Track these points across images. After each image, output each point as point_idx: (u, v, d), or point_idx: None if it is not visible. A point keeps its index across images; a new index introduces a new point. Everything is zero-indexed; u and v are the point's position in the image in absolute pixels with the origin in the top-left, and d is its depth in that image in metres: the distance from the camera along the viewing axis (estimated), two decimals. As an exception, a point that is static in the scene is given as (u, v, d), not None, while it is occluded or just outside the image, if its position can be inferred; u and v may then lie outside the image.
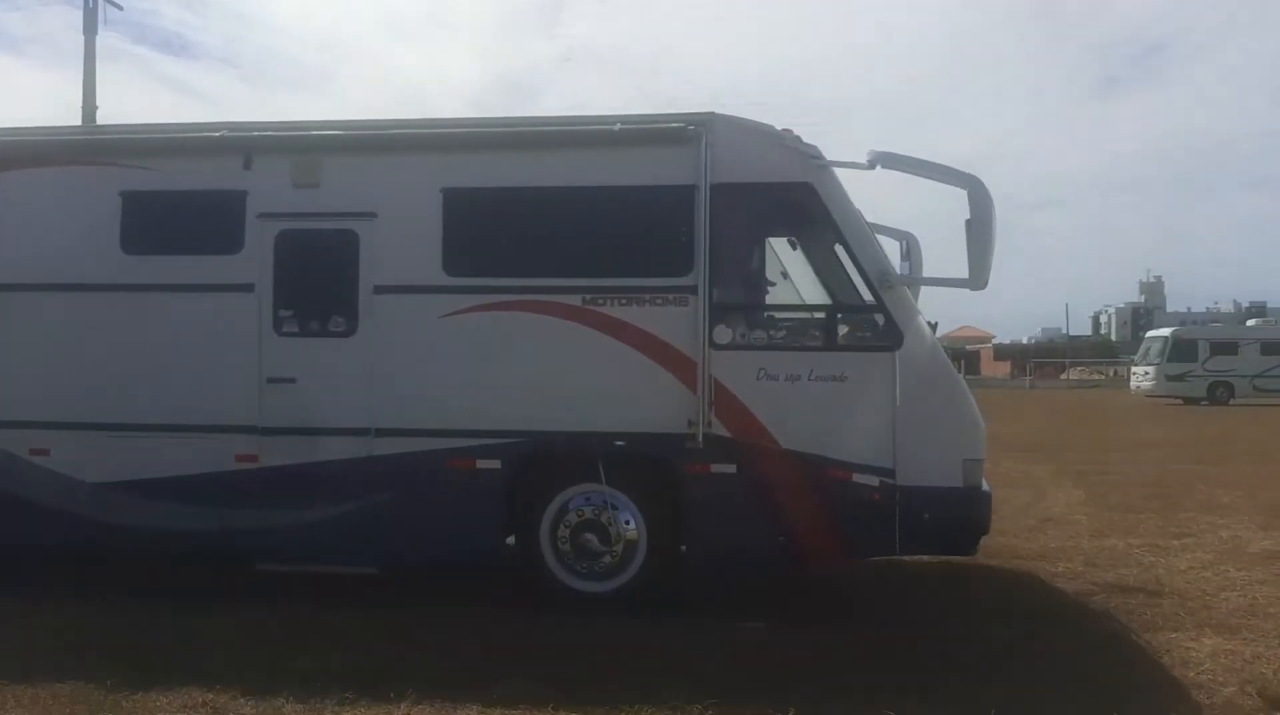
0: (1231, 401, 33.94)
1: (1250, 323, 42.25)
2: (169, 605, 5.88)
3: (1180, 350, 35.85)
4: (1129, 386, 39.96)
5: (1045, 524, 9.17)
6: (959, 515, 5.85)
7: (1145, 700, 4.50)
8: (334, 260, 6.23)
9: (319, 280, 6.36)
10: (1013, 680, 4.68)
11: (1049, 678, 4.77)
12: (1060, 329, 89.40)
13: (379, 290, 6.18)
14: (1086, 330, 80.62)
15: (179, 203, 6.40)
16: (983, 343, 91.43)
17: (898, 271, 6.14)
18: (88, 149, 6.65)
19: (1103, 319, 69.17)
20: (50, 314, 6.46)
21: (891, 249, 6.50)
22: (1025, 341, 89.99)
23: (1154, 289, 67.88)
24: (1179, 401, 34.78)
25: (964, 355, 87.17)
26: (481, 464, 6.08)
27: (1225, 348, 36.14)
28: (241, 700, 4.41)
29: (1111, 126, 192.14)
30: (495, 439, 6.07)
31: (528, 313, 6.10)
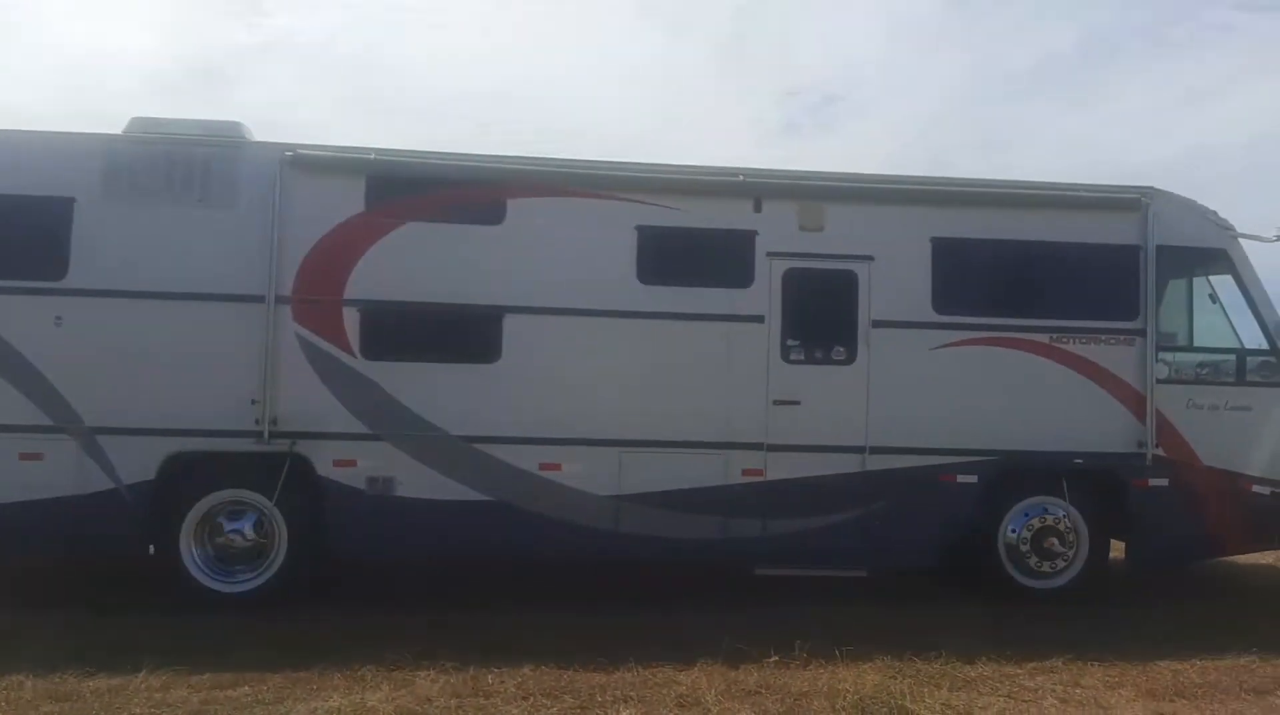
0: None
1: None
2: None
3: None
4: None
5: None
6: None
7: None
8: (836, 296, 7.21)
9: (822, 314, 7.23)
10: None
11: None
12: None
13: (876, 324, 7.18)
14: None
15: (694, 239, 7.11)
16: None
17: None
18: (606, 184, 7.14)
19: None
20: (564, 338, 6.99)
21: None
22: None
23: None
24: None
25: None
26: (962, 478, 7.16)
27: None
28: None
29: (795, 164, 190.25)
30: (974, 457, 7.18)
31: (1004, 348, 7.27)
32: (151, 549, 6.66)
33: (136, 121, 6.84)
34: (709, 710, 4.80)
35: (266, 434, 6.63)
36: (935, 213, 7.32)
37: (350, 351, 6.79)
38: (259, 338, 6.66)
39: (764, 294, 7.11)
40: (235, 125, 6.96)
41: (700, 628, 6.22)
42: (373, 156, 6.95)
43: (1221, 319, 7.61)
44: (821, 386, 7.12)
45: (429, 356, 6.91)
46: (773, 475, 7.01)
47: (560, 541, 6.93)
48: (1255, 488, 7.29)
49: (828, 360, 7.15)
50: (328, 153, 6.89)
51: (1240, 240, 7.49)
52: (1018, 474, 7.28)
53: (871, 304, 7.17)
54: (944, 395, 7.15)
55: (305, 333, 6.75)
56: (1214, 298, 7.62)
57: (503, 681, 5.14)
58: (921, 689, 5.13)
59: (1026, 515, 7.28)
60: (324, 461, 6.72)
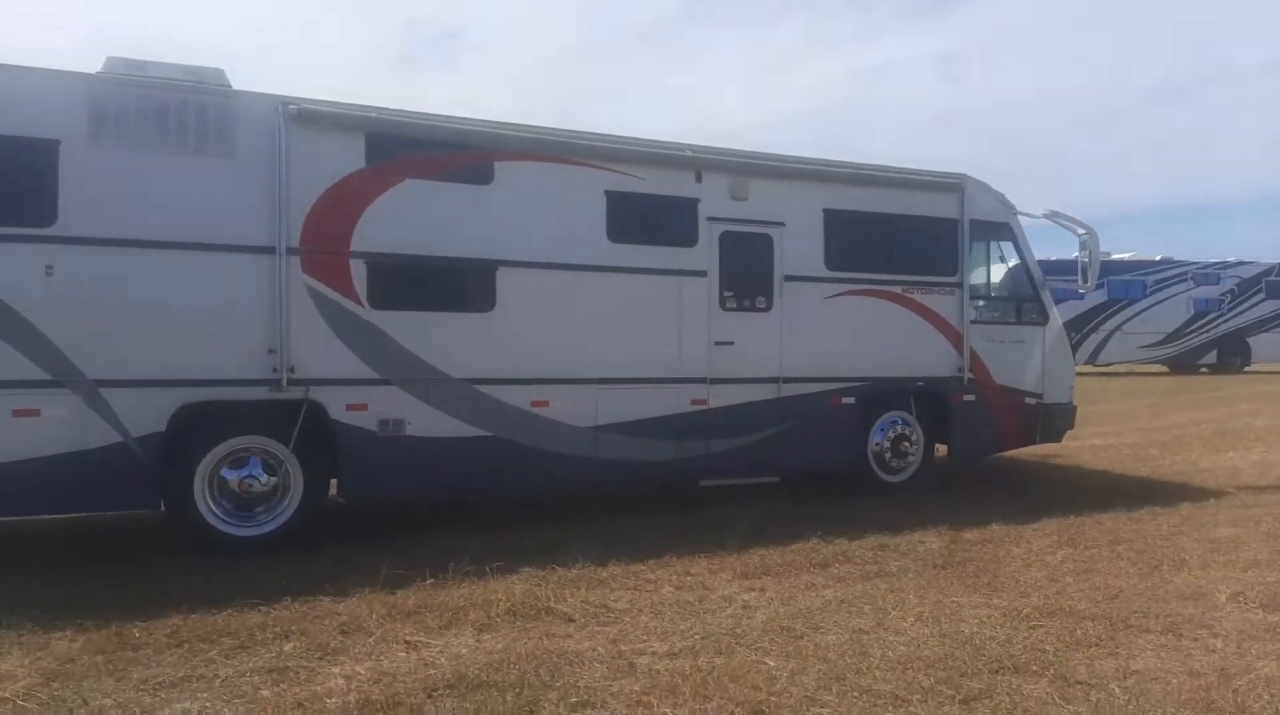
0: None
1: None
2: None
3: None
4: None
5: None
6: (1067, 419, 10.34)
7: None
8: (758, 255, 8.69)
9: (749, 269, 8.66)
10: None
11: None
12: None
13: (788, 278, 8.80)
14: None
15: (651, 203, 8.24)
16: None
17: (1076, 257, 10.29)
18: (581, 152, 7.99)
19: None
20: (549, 289, 7.80)
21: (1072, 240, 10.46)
22: None
23: None
24: None
25: None
26: (845, 400, 9.06)
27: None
28: None
29: (412, 100, 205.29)
30: (853, 383, 9.13)
31: (871, 297, 9.20)
32: (162, 503, 6.75)
33: (114, 61, 6.60)
34: (372, 633, 5.06)
35: (285, 382, 6.81)
36: (826, 188, 9.00)
37: (359, 302, 7.15)
38: (270, 289, 6.81)
39: (705, 252, 8.45)
40: (219, 72, 6.92)
41: (357, 560, 6.45)
42: (374, 114, 7.25)
43: (1006, 275, 10.20)
44: (749, 330, 8.64)
45: (431, 306, 7.46)
46: (714, 403, 8.47)
47: (551, 471, 7.90)
48: (1027, 399, 10.04)
49: (753, 308, 8.68)
50: (328, 108, 7.09)
51: (1019, 216, 10.09)
52: (882, 395, 9.36)
53: (784, 261, 8.78)
54: (832, 335, 9.00)
55: (315, 284, 7.00)
56: (1002, 259, 10.15)
57: (151, 633, 5.02)
58: (563, 591, 5.78)
59: (883, 428, 9.48)
60: (337, 406, 7.05)
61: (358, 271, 7.14)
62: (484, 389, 7.57)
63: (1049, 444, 10.66)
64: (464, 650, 4.81)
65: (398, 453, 7.24)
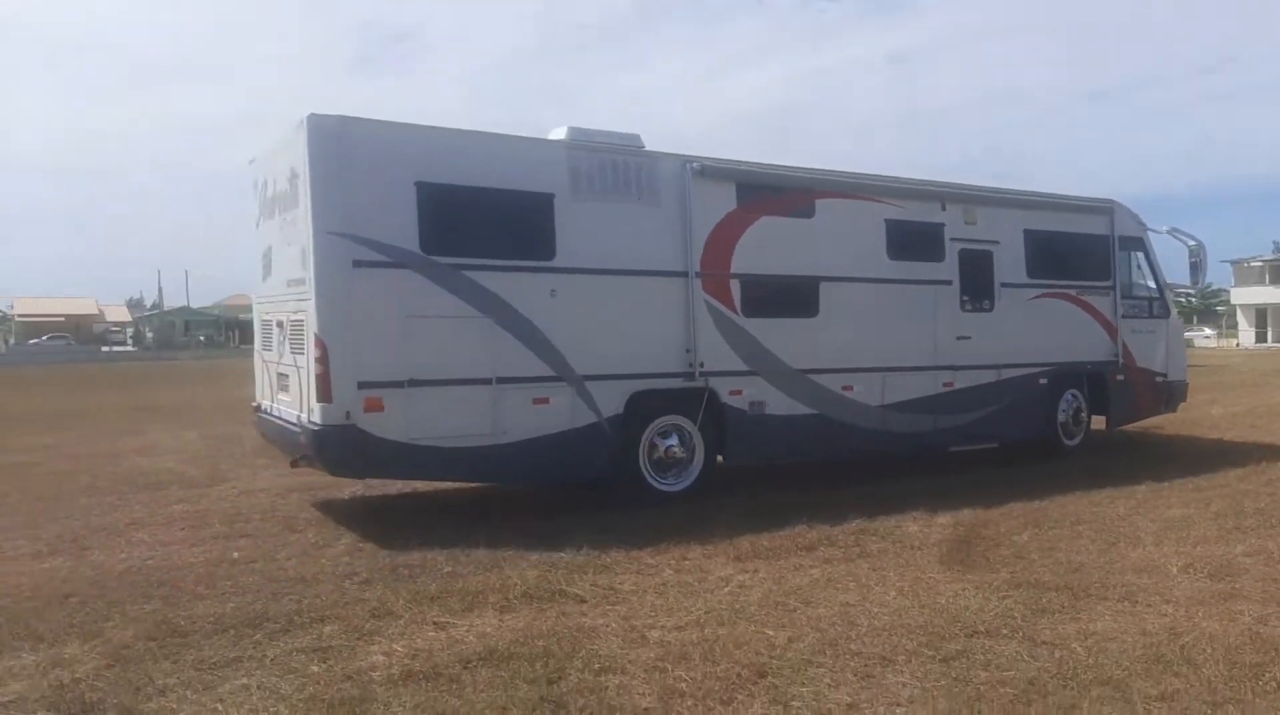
0: None
1: None
2: None
3: None
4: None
5: None
6: (1183, 393, 13.11)
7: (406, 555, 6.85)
8: (983, 267, 10.82)
9: (977, 279, 10.76)
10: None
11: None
12: None
13: (1003, 285, 10.98)
14: None
15: (914, 229, 10.29)
16: None
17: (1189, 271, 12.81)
18: (868, 190, 10.12)
19: None
20: (851, 298, 9.82)
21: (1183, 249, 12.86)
22: None
23: None
24: None
25: (239, 324, 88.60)
26: (1042, 381, 11.40)
27: None
28: None
29: (366, 103, 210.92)
30: (1047, 366, 11.40)
31: (1057, 298, 11.52)
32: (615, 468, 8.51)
33: (574, 130, 8.59)
34: (400, 616, 5.49)
35: (696, 374, 8.74)
36: (1024, 213, 11.28)
37: (736, 311, 9.13)
38: (684, 303, 8.79)
39: (950, 266, 10.58)
40: (636, 136, 8.94)
41: (371, 552, 6.89)
42: (742, 167, 9.27)
43: (1141, 279, 12.58)
44: (979, 326, 10.76)
45: (779, 313, 9.44)
46: (958, 386, 10.58)
47: (855, 440, 9.94)
48: (1157, 378, 12.59)
49: (981, 309, 10.83)
50: (716, 164, 9.05)
51: (1149, 232, 12.61)
52: (1065, 376, 11.64)
53: (1000, 271, 10.95)
54: (1033, 329, 11.25)
55: (709, 298, 8.96)
56: (1138, 266, 12.53)
57: (195, 622, 5.40)
58: (573, 575, 6.24)
59: (1066, 402, 11.75)
60: (724, 392, 9.01)
61: (734, 288, 9.11)
62: (812, 377, 9.59)
63: (1168, 414, 13.37)
64: (488, 629, 5.26)
65: (762, 427, 9.27)
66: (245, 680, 4.56)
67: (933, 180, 10.70)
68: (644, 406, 8.57)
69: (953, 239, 10.57)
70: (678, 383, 8.74)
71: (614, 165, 8.50)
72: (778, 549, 7.06)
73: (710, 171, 8.91)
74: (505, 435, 7.86)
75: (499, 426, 7.84)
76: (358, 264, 7.28)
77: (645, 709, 4.20)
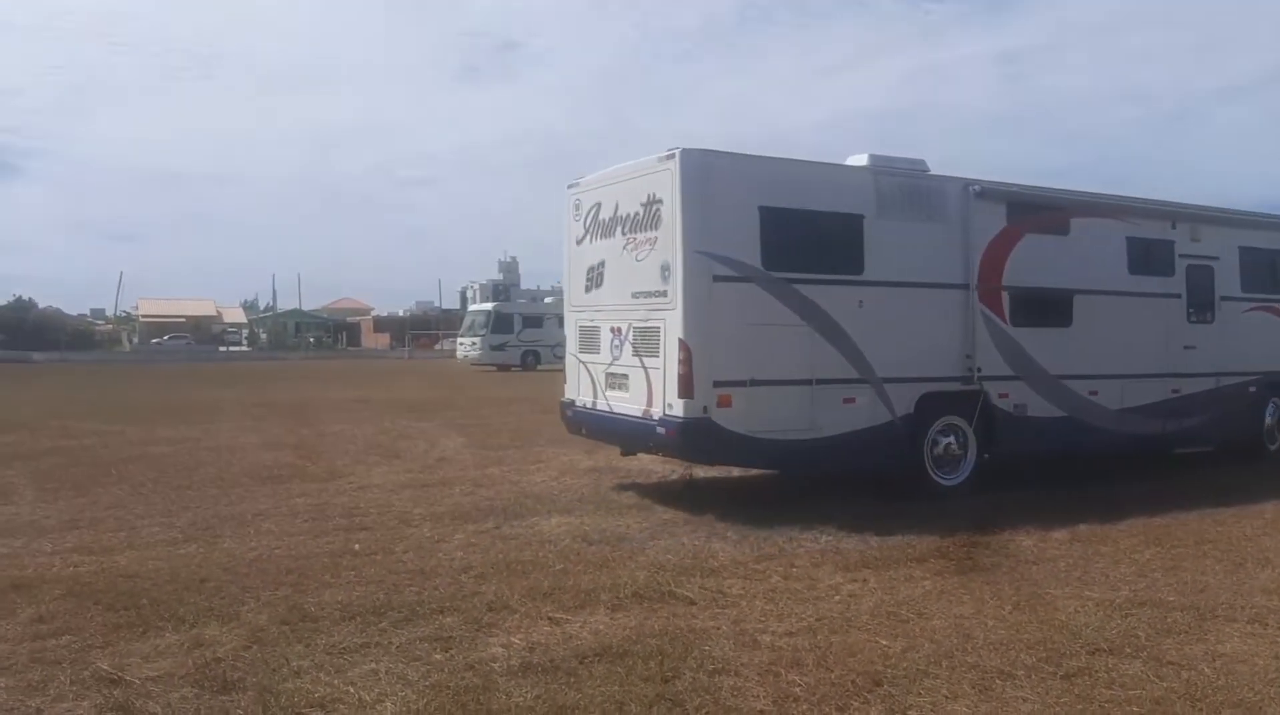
0: (538, 367, 39.53)
1: (548, 300, 49.04)
2: None
3: (500, 323, 41.43)
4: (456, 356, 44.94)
5: (441, 462, 12.24)
6: None
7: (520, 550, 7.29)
8: (1206, 282, 11.48)
9: (1201, 293, 11.44)
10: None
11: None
12: (433, 302, 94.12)
13: (1223, 299, 11.61)
14: (456, 303, 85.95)
15: (1149, 246, 11.00)
16: (362, 314, 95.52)
17: None
18: (1112, 210, 10.92)
19: (469, 294, 76.16)
20: (1099, 309, 10.48)
21: None
22: (402, 314, 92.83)
23: (510, 268, 76.73)
24: (493, 368, 40.05)
25: (345, 327, 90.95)
26: (1252, 388, 11.98)
27: (534, 321, 42.17)
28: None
29: (473, 112, 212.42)
30: (1255, 375, 11.94)
31: (1263, 312, 12.13)
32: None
33: (875, 158, 9.34)
34: (516, 610, 5.64)
35: (975, 378, 9.50)
36: (1239, 231, 11.98)
37: (1005, 321, 9.83)
38: (965, 313, 9.57)
39: (1179, 280, 11.23)
40: (922, 161, 9.69)
41: (450, 554, 7.07)
42: (1012, 188, 10.07)
43: None
44: (1202, 337, 11.35)
45: (1039, 323, 10.11)
46: (1183, 392, 11.18)
47: (1099, 441, 10.61)
48: None
49: (1204, 320, 11.45)
50: (991, 185, 9.79)
51: None
52: (1269, 385, 12.15)
53: (1220, 286, 11.57)
54: (1245, 340, 11.81)
55: (984, 309, 9.68)
56: None
57: (324, 608, 5.68)
58: (681, 578, 6.32)
59: (1271, 409, 12.31)
60: (994, 394, 9.71)
61: (1004, 300, 9.84)
62: (1065, 382, 10.28)
63: None
64: (601, 626, 5.38)
65: (1023, 428, 9.95)
66: (373, 665, 4.77)
67: (1164, 200, 11.48)
68: (930, 407, 9.41)
69: (1181, 255, 11.28)
70: (957, 386, 9.57)
71: (909, 188, 9.38)
72: (886, 559, 7.00)
73: (988, 193, 9.76)
74: (820, 430, 8.76)
75: (815, 422, 8.74)
76: (717, 278, 8.33)
77: (760, 711, 4.25)
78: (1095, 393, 10.48)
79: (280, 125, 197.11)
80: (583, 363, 10.06)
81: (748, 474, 10.70)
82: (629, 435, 9.40)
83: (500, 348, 40.70)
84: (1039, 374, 10.07)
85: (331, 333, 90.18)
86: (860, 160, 9.35)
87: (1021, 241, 9.99)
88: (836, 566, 6.80)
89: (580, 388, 10.13)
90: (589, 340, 9.94)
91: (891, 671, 4.65)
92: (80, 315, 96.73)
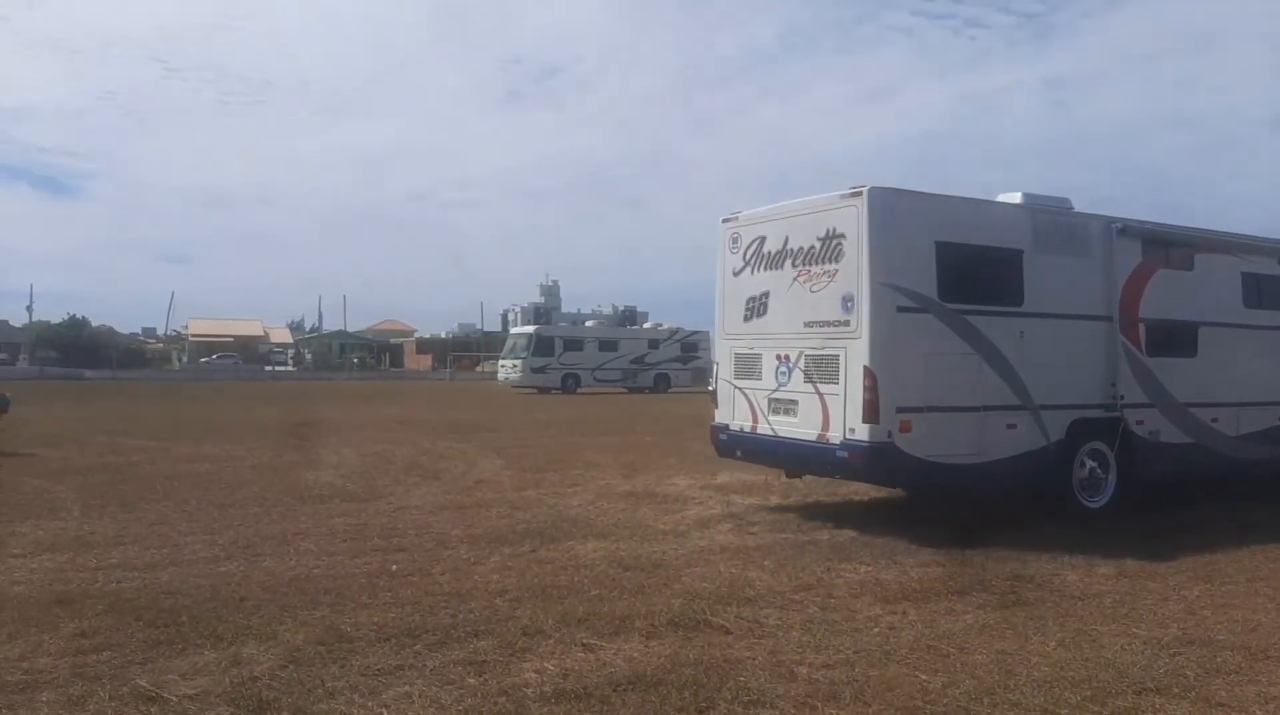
0: (578, 390, 39.72)
1: (589, 323, 48.62)
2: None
3: (541, 346, 41.67)
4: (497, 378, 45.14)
5: (479, 484, 12.21)
6: None
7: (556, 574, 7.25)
8: None
9: None
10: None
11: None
12: (475, 325, 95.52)
13: None
14: (498, 326, 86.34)
15: (1264, 281, 11.52)
16: (406, 336, 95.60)
17: None
18: (1228, 246, 11.43)
19: (510, 316, 75.94)
20: (1219, 341, 11.00)
21: None
22: (445, 336, 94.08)
23: (551, 291, 76.28)
24: (534, 390, 40.10)
25: (389, 348, 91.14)
26: None
27: (575, 345, 42.53)
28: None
29: (516, 137, 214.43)
30: None
31: None
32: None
33: (1029, 196, 9.97)
34: (550, 636, 5.62)
35: (1118, 406, 9.99)
36: None
37: (1141, 351, 10.31)
38: (1108, 344, 10.09)
39: None
40: (1067, 199, 10.33)
41: (486, 577, 7.06)
42: (1147, 226, 10.61)
43: None
44: None
45: (1170, 353, 10.58)
46: None
47: (1216, 466, 10.99)
48: None
49: None
50: (1131, 223, 10.38)
51: None
52: None
53: None
54: None
55: (1124, 340, 10.17)
56: None
57: (359, 629, 5.71)
58: (716, 606, 6.26)
59: None
60: (1132, 421, 10.14)
61: (1140, 331, 10.32)
62: (1191, 409, 10.70)
63: None
64: (635, 654, 5.33)
65: (1157, 454, 10.38)
66: (407, 688, 4.77)
67: (1275, 238, 12.04)
68: (1078, 432, 9.82)
69: None
70: (1100, 412, 10.03)
71: (1059, 224, 9.96)
72: (928, 591, 6.88)
73: (1128, 230, 10.36)
74: (985, 455, 9.19)
75: (981, 447, 9.18)
76: (899, 309, 8.77)
77: (795, 744, 4.17)
78: (1216, 420, 10.93)
79: (328, 149, 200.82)
80: (739, 388, 10.37)
81: (766, 502, 10.62)
82: (800, 459, 9.75)
83: (541, 371, 41.17)
84: (1169, 402, 10.57)
85: (375, 354, 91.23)
86: (1014, 198, 9.94)
87: (1154, 276, 10.56)
88: (876, 598, 6.70)
89: (736, 412, 10.38)
90: (747, 367, 10.26)
91: (931, 708, 4.55)
92: (132, 334, 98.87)
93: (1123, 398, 10.08)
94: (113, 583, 6.88)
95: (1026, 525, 9.22)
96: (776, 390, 9.78)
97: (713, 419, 10.89)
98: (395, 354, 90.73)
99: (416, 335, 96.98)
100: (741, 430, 10.29)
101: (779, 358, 9.75)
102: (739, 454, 10.52)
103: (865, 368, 8.64)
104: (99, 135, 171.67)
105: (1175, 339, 10.75)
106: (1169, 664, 5.22)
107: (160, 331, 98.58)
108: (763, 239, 10.10)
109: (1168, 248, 10.80)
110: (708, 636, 5.70)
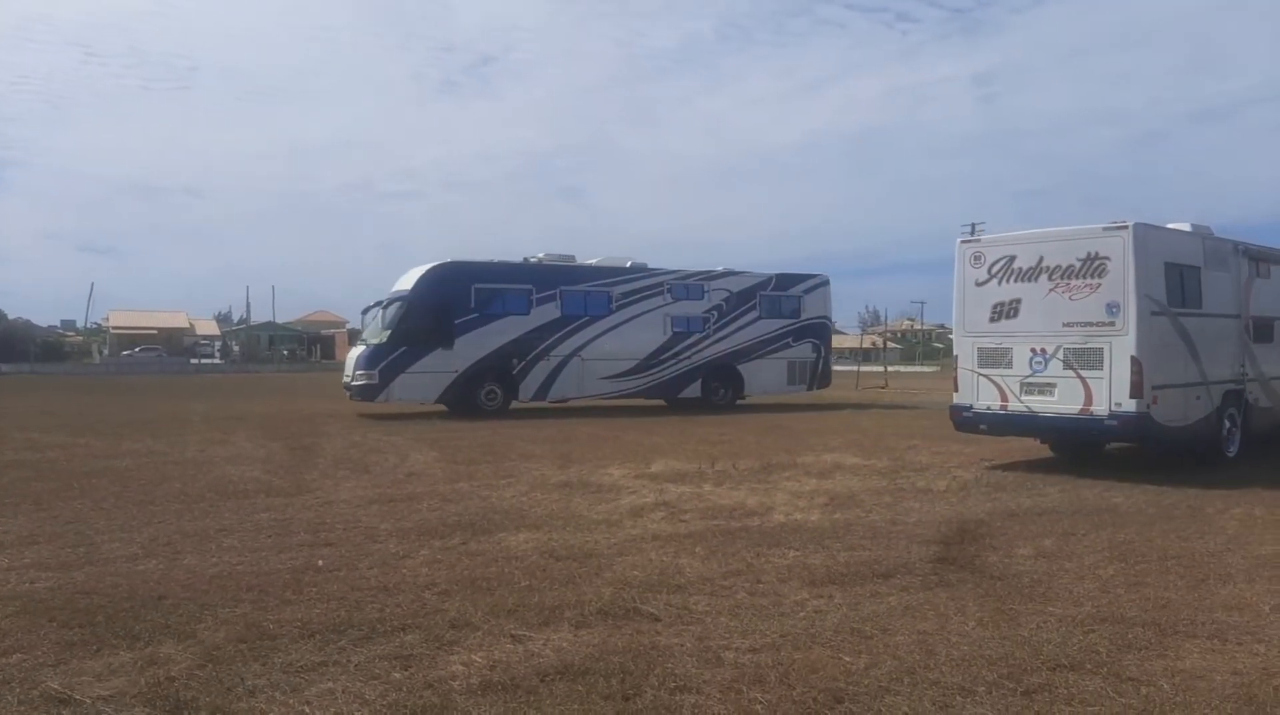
0: None
1: None
2: None
3: None
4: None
5: (410, 477, 12.12)
6: None
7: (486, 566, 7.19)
8: None
9: None
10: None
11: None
12: None
13: None
14: None
15: None
16: (336, 327, 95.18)
17: None
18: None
19: None
20: None
21: None
22: None
23: None
24: None
25: (319, 340, 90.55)
26: None
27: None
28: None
29: (454, 127, 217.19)
30: None
31: None
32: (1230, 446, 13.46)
33: (1195, 225, 13.32)
34: (479, 627, 5.59)
35: (1244, 380, 13.59)
36: None
37: (1250, 339, 13.73)
38: (1238, 335, 13.61)
39: None
40: (1208, 228, 13.53)
41: (418, 571, 7.00)
42: (1245, 244, 13.97)
43: None
44: None
45: (1261, 341, 14.07)
46: None
47: None
48: None
49: None
50: (1249, 246, 14.02)
51: None
52: None
53: None
54: None
55: (1243, 332, 13.67)
56: None
57: (283, 626, 5.59)
58: (646, 594, 6.28)
59: None
60: (1246, 391, 13.66)
61: (1250, 325, 13.76)
62: (1272, 382, 14.30)
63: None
64: (565, 643, 5.33)
65: (1259, 415, 14.01)
66: (331, 684, 4.70)
67: None
68: (1226, 401, 13.18)
69: None
70: (1234, 385, 13.40)
71: (1214, 246, 13.31)
72: (853, 575, 6.99)
73: (1246, 251, 13.91)
74: (1185, 419, 12.43)
75: (1186, 413, 12.43)
76: (1152, 313, 11.80)
77: (720, 729, 4.21)
78: None
79: (257, 138, 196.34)
80: (984, 375, 13.05)
81: (699, 490, 10.67)
82: (1060, 429, 12.70)
83: None
84: (1262, 376, 14.08)
85: (305, 345, 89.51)
86: (1184, 227, 13.10)
87: (1255, 282, 14.04)
88: (803, 582, 6.79)
89: (980, 394, 13.08)
90: (994, 358, 12.94)
91: (853, 688, 4.63)
92: (50, 327, 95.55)
93: (1246, 374, 13.59)
94: (25, 583, 6.65)
95: (955, 506, 9.41)
96: (1031, 376, 12.52)
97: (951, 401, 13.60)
98: (326, 345, 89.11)
99: (348, 326, 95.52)
100: (989, 409, 12.97)
101: (1034, 350, 12.45)
102: (983, 428, 13.22)
103: (1132, 357, 11.64)
104: (16, 123, 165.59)
105: (1264, 330, 14.21)
106: (1082, 641, 5.38)
107: (80, 324, 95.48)
108: (1012, 258, 12.79)
109: (1263, 262, 14.32)
110: (637, 624, 5.72)
